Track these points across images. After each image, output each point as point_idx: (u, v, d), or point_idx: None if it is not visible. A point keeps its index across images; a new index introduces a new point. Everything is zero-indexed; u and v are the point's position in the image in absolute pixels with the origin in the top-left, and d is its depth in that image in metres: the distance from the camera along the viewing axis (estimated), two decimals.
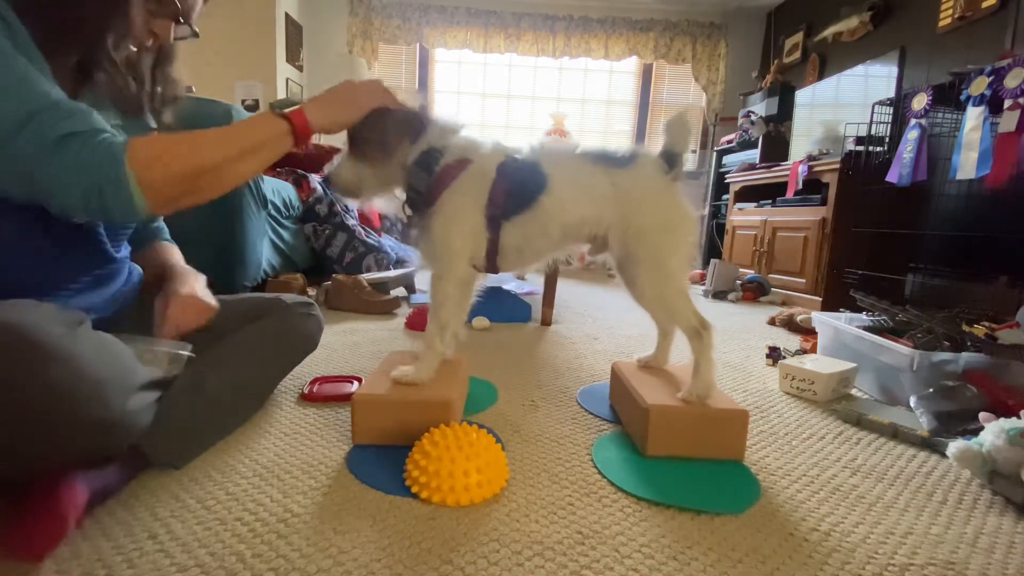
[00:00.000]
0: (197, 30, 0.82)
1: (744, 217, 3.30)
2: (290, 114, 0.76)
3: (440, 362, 0.95)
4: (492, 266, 0.96)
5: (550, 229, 0.92)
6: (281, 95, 3.81)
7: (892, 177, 2.07)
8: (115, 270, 0.83)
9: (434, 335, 0.94)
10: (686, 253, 0.92)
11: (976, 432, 0.91)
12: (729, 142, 3.98)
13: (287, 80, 3.89)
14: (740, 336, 1.94)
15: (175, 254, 1.01)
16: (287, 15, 3.84)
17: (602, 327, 1.95)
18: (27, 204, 0.66)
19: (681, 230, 0.92)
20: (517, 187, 0.90)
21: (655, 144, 0.98)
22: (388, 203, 0.98)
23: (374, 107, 0.85)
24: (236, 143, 0.71)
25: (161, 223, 1.02)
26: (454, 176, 0.89)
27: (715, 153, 4.14)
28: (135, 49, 0.76)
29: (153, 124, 0.87)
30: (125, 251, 0.89)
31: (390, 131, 0.88)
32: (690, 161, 4.62)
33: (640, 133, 4.58)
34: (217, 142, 0.70)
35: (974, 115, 1.74)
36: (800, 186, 2.80)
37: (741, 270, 3.11)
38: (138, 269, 0.93)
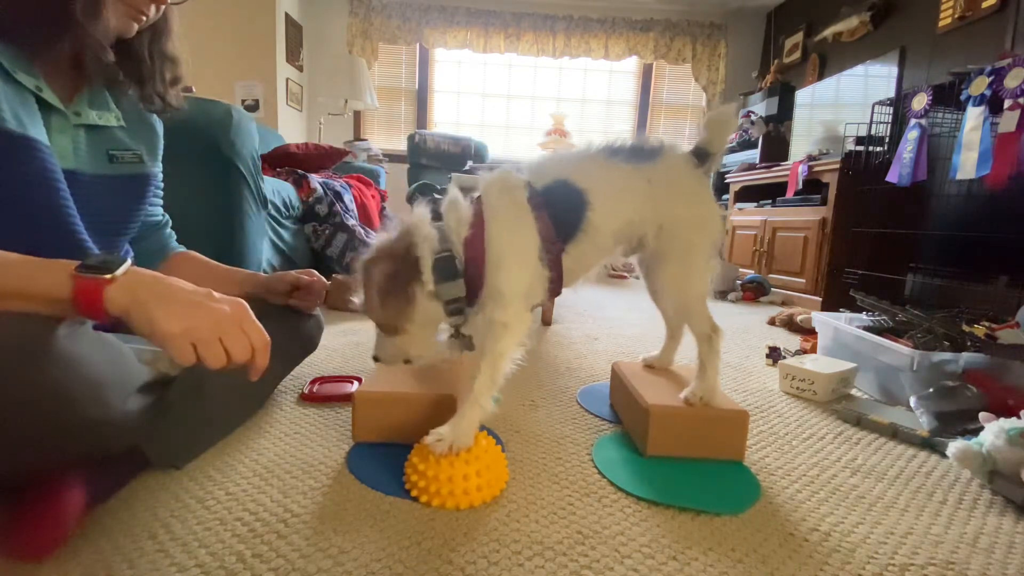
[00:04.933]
0: None
1: (744, 217, 3.30)
2: (82, 283, 0.54)
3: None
4: (555, 292, 0.88)
5: (602, 242, 0.86)
6: (281, 95, 3.81)
7: (892, 177, 2.07)
8: None
9: (485, 391, 0.78)
10: (711, 253, 0.89)
11: (976, 432, 0.91)
12: (729, 142, 3.97)
13: (287, 80, 3.89)
14: (740, 336, 1.93)
15: (214, 265, 1.02)
16: (287, 15, 3.84)
17: (602, 327, 1.95)
18: None
19: (710, 227, 0.89)
20: (562, 216, 0.81)
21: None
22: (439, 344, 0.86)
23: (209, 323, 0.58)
24: None
25: (169, 229, 1.01)
26: (482, 234, 0.78)
27: None
28: (135, 25, 0.74)
29: (157, 114, 0.87)
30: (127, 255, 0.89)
31: (393, 299, 0.77)
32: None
33: (640, 133, 4.58)
34: None
35: (974, 115, 1.74)
36: (800, 186, 2.80)
37: (741, 270, 3.11)
38: None
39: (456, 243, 0.78)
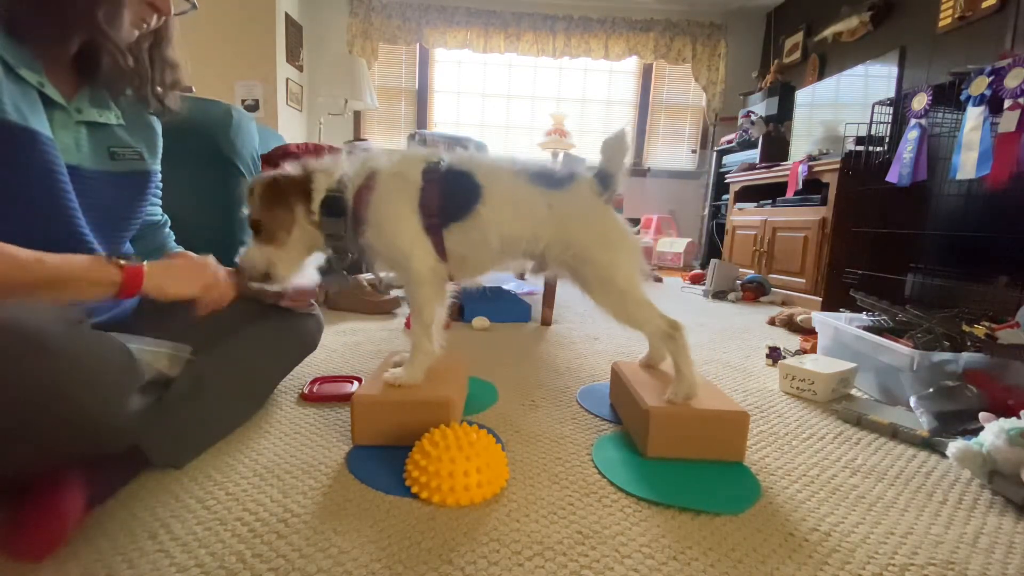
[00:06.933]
0: (196, 1, 0.82)
1: (744, 217, 3.29)
2: (128, 268, 0.71)
3: (434, 360, 0.95)
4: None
5: (490, 239, 0.91)
6: (281, 95, 3.81)
7: (892, 177, 2.07)
8: None
9: (421, 336, 0.93)
10: (633, 265, 0.92)
11: (976, 432, 0.91)
12: (729, 142, 3.98)
13: (287, 80, 3.88)
14: (740, 336, 1.94)
15: None
16: (287, 15, 3.84)
17: (602, 327, 1.95)
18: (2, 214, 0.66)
19: (622, 246, 0.93)
20: (451, 194, 0.90)
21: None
22: (308, 274, 0.97)
23: (203, 286, 0.83)
24: (47, 273, 0.64)
25: (168, 228, 1.01)
26: (370, 191, 0.89)
27: (715, 153, 4.14)
28: (136, 32, 0.76)
29: (155, 116, 0.87)
30: (126, 252, 0.89)
31: (280, 205, 0.88)
32: (689, 161, 4.62)
33: (640, 133, 4.58)
34: (24, 265, 0.62)
35: (974, 115, 1.74)
36: (800, 186, 2.79)
37: (741, 270, 3.11)
38: None
39: (350, 189, 0.90)
